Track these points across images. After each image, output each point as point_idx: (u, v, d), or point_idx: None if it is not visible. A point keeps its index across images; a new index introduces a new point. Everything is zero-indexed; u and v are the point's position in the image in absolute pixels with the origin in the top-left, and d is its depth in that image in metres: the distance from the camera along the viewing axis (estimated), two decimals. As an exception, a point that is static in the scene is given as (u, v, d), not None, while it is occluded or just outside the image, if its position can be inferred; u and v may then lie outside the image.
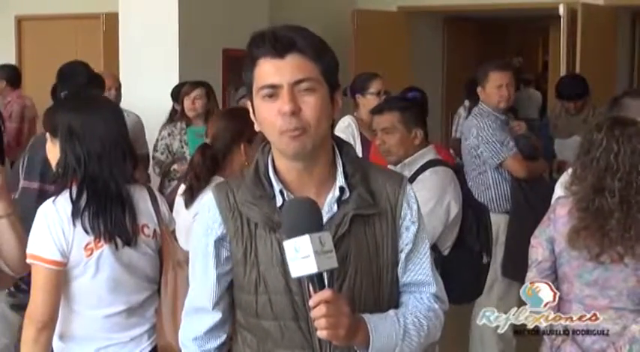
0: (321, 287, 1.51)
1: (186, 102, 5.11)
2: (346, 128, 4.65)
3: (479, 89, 4.41)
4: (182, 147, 5.00)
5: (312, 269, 1.49)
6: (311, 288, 1.52)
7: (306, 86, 1.60)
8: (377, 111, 3.43)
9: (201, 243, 1.76)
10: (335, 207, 1.68)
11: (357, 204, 1.68)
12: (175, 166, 4.95)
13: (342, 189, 1.69)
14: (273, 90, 1.60)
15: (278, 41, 1.60)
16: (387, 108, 3.36)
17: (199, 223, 1.78)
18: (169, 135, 5.05)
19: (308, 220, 1.53)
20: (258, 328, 1.73)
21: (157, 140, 5.07)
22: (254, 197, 1.68)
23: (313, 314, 1.52)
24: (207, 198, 1.77)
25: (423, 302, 1.75)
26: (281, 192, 1.68)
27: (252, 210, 1.68)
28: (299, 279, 1.58)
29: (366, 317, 1.63)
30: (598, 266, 2.52)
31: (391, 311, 1.70)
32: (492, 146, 4.24)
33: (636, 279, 2.50)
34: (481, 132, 4.25)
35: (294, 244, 1.50)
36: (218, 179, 2.91)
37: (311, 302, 1.52)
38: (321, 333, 1.53)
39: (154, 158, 5.04)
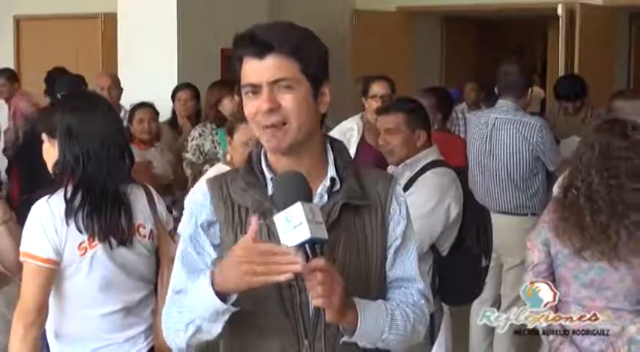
0: (314, 257, 1.52)
1: (230, 104, 4.94)
2: (347, 130, 4.62)
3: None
4: (215, 148, 4.85)
5: (305, 235, 1.50)
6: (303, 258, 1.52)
7: (285, 84, 1.66)
8: (383, 111, 3.45)
9: (189, 226, 1.78)
10: (325, 198, 1.72)
11: (347, 194, 1.72)
12: (208, 167, 4.83)
13: (332, 180, 1.73)
14: (255, 88, 1.67)
15: (256, 43, 1.66)
16: (393, 109, 3.37)
17: (189, 209, 1.80)
18: (200, 135, 4.89)
19: (298, 191, 1.56)
20: (245, 318, 1.72)
21: (187, 141, 4.94)
22: (246, 184, 1.73)
23: (308, 281, 1.53)
24: (201, 188, 1.79)
25: (410, 296, 1.77)
26: (272, 180, 1.72)
27: (243, 196, 1.72)
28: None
29: (356, 299, 1.65)
30: (593, 266, 2.53)
31: (379, 300, 1.72)
32: (556, 147, 4.29)
33: (632, 279, 2.50)
34: (548, 133, 4.25)
35: (286, 215, 1.52)
36: None
37: (304, 270, 1.52)
38: (317, 301, 1.54)
39: (184, 159, 4.91)
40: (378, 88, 4.72)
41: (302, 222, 1.50)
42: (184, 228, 1.81)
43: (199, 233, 1.75)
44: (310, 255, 1.52)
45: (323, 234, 1.53)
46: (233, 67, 1.72)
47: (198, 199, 1.78)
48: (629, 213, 2.48)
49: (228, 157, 3.52)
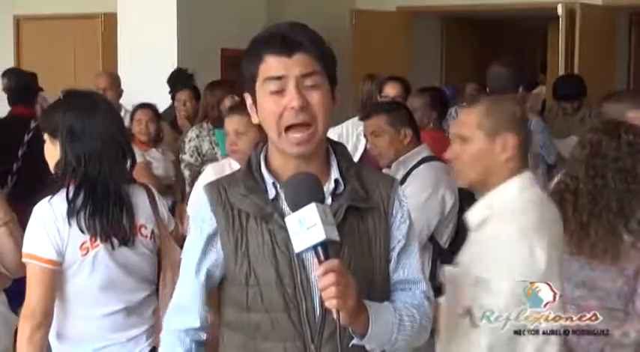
0: (327, 258, 1.51)
1: (230, 104, 5.01)
2: (359, 125, 4.61)
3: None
4: (213, 149, 4.82)
5: (320, 236, 1.48)
6: (316, 260, 1.51)
7: (312, 82, 1.64)
8: (365, 116, 3.52)
9: (193, 240, 1.78)
10: (329, 200, 1.71)
11: (351, 196, 1.71)
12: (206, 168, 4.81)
13: (336, 182, 1.72)
14: (280, 84, 1.63)
15: (286, 42, 1.64)
16: (374, 112, 3.45)
17: (192, 220, 1.80)
18: (197, 136, 4.86)
19: (312, 192, 1.54)
20: (248, 323, 1.73)
21: (184, 142, 4.92)
22: (246, 189, 1.71)
23: (322, 283, 1.51)
24: (199, 196, 1.79)
25: (415, 298, 1.77)
26: (274, 184, 1.71)
27: (243, 201, 1.70)
28: (303, 253, 1.57)
29: (366, 301, 1.63)
30: (583, 268, 2.53)
31: (386, 302, 1.72)
32: (552, 140, 4.35)
33: (623, 280, 2.49)
34: (544, 127, 4.31)
35: (299, 216, 1.50)
36: None
37: (318, 272, 1.51)
38: (330, 303, 1.52)
39: (182, 161, 4.89)
40: (389, 89, 4.75)
41: (316, 224, 1.48)
42: (188, 242, 1.81)
43: (199, 251, 1.76)
44: (323, 257, 1.50)
45: (335, 235, 1.52)
46: (246, 66, 1.68)
47: (199, 211, 1.77)
48: (609, 213, 2.48)
49: None
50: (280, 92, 1.64)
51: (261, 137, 1.79)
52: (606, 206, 2.49)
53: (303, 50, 1.63)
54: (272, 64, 1.64)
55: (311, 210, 1.49)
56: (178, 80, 5.76)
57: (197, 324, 1.79)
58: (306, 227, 1.49)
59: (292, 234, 1.52)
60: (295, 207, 1.53)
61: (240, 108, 3.52)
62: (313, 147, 1.67)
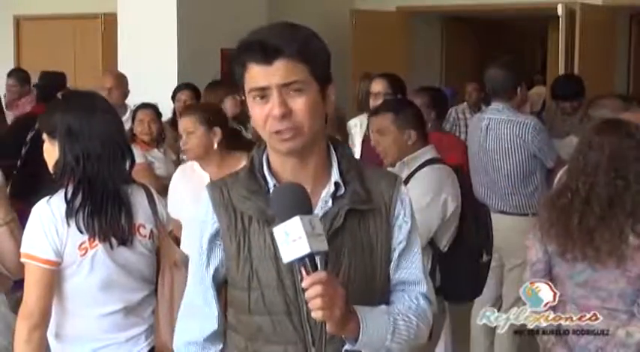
0: (314, 269, 1.51)
1: (231, 103, 4.99)
2: (352, 127, 4.64)
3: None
4: None
5: (305, 250, 1.48)
6: (303, 271, 1.51)
7: (296, 87, 1.63)
8: (373, 112, 3.51)
9: (197, 242, 1.78)
10: (330, 203, 1.70)
11: (351, 199, 1.69)
12: None
13: (337, 185, 1.71)
14: (263, 92, 1.63)
15: (265, 49, 1.62)
16: (382, 109, 3.43)
17: (196, 221, 1.80)
18: None
19: (296, 204, 1.54)
20: (249, 325, 1.73)
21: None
22: (248, 191, 1.71)
23: (308, 294, 1.51)
24: (203, 196, 1.78)
25: (413, 300, 1.76)
26: (275, 186, 1.70)
27: (245, 203, 1.70)
28: (291, 264, 1.57)
29: (358, 307, 1.63)
30: (587, 267, 2.52)
31: (382, 306, 1.71)
32: (552, 145, 4.29)
33: (626, 281, 2.49)
34: (542, 130, 4.26)
35: (284, 228, 1.51)
36: None
37: (305, 283, 1.51)
38: (316, 314, 1.52)
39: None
40: (374, 86, 4.76)
41: (301, 237, 1.48)
42: (194, 244, 1.81)
43: (204, 251, 1.76)
44: (310, 268, 1.50)
45: (323, 246, 1.51)
46: (234, 73, 1.68)
47: (201, 214, 1.77)
48: (622, 214, 2.46)
49: None
50: (264, 98, 1.63)
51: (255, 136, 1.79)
52: (622, 207, 2.46)
53: (283, 56, 1.61)
54: (254, 73, 1.63)
55: (295, 224, 1.49)
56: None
57: (215, 327, 1.78)
58: (292, 239, 1.49)
59: (279, 244, 1.52)
60: (282, 218, 1.53)
61: (189, 108, 3.84)
62: (302, 144, 1.66)
